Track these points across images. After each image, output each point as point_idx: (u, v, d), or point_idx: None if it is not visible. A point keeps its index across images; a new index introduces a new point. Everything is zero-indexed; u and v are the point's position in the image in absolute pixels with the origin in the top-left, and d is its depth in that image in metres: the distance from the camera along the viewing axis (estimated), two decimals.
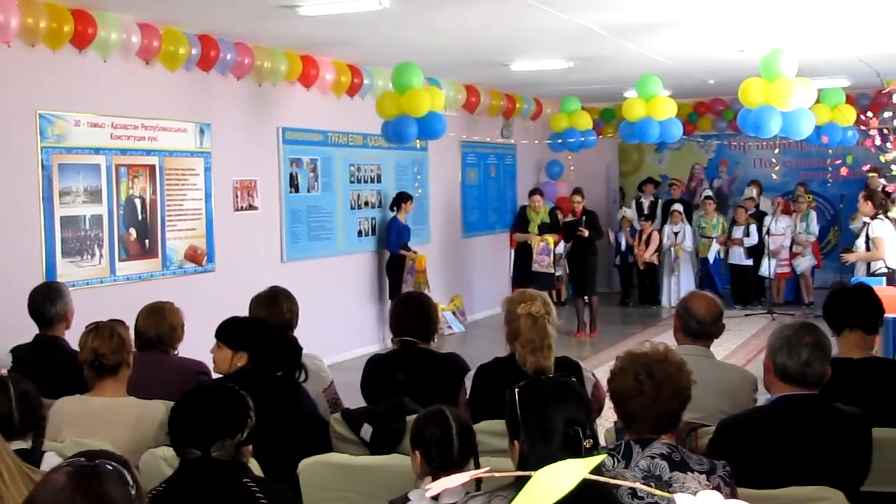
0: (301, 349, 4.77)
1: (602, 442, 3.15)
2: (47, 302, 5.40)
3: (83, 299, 6.74)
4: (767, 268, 14.79)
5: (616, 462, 2.98)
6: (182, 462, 3.10)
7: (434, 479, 3.29)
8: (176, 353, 5.22)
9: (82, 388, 4.46)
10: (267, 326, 4.79)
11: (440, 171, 13.97)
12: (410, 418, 4.45)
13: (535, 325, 4.50)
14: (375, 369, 5.17)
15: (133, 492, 1.97)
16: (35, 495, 2.01)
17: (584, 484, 1.05)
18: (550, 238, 13.14)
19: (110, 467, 1.98)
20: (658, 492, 1.09)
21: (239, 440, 3.09)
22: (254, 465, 3.62)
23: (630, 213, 16.53)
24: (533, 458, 2.57)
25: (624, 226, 16.30)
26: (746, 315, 14.24)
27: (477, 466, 3.36)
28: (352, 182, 12.03)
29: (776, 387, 3.72)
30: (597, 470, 1.04)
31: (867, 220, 9.95)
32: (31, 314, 5.43)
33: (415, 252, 12.37)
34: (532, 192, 13.70)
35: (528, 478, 1.06)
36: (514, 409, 2.64)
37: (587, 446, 2.56)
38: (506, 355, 4.70)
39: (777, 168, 14.73)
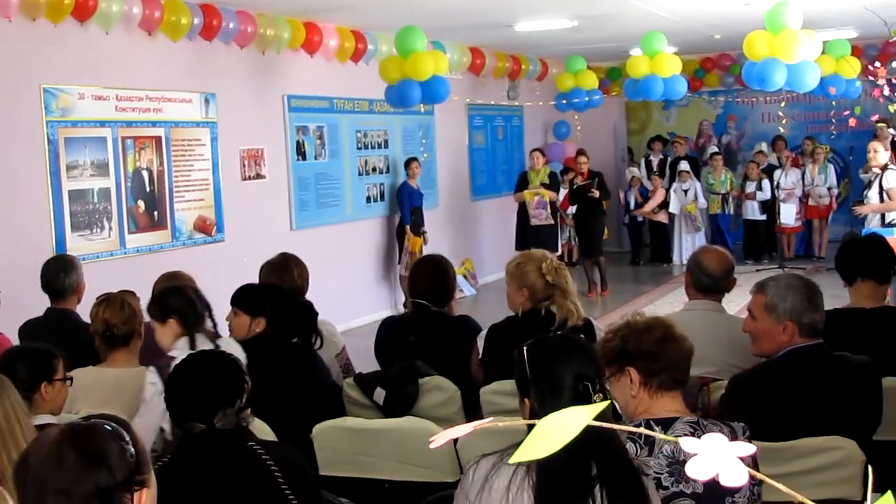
0: (317, 314, 4.78)
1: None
2: (60, 273, 5.41)
3: (93, 273, 6.74)
4: (788, 217, 14.78)
5: (639, 449, 2.75)
6: (185, 434, 3.03)
7: (188, 337, 4.19)
8: None
9: (94, 361, 4.48)
10: (283, 292, 4.79)
11: (447, 134, 13.92)
12: (423, 381, 4.47)
13: (559, 275, 4.49)
14: (388, 332, 5.16)
15: (131, 449, 1.96)
16: (28, 450, 2.01)
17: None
18: (544, 191, 13.00)
19: (108, 427, 1.97)
20: (661, 435, 1.08)
21: (239, 406, 3.03)
22: (263, 428, 3.63)
23: (638, 171, 16.45)
24: (543, 415, 2.55)
25: (633, 185, 16.23)
26: (758, 270, 14.18)
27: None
28: (359, 148, 12.00)
29: (791, 342, 3.71)
30: (603, 417, 1.03)
31: (878, 170, 9.84)
32: (44, 286, 5.45)
33: (424, 232, 12.25)
34: (532, 151, 13.63)
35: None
36: (523, 367, 2.62)
37: (597, 402, 2.54)
38: (516, 314, 4.65)
39: (784, 122, 14.64)
